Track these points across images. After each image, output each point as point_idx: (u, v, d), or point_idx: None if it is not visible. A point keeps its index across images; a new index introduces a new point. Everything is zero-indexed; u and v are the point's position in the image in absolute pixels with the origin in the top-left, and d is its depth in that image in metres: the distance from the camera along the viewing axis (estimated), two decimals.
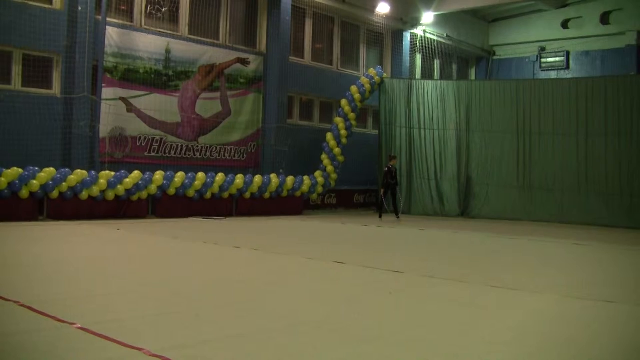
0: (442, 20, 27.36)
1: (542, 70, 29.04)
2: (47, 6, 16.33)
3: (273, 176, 19.35)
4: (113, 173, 15.94)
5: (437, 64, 29.16)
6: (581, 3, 27.53)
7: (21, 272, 7.84)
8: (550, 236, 15.36)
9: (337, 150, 21.27)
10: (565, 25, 28.32)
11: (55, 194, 14.88)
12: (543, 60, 29.10)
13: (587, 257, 11.91)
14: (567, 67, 28.41)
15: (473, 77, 31.00)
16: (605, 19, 27.07)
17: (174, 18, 19.16)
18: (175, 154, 18.98)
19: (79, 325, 5.07)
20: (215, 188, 17.82)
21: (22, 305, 5.70)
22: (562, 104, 20.49)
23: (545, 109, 20.75)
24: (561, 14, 28.28)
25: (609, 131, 19.72)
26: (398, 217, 19.44)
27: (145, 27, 18.33)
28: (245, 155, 21.00)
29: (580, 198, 20.03)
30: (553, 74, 28.27)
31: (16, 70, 15.94)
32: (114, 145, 17.53)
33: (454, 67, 30.55)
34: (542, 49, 29.16)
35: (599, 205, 19.60)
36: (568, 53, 28.41)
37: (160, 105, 18.57)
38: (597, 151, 19.88)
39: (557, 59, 28.67)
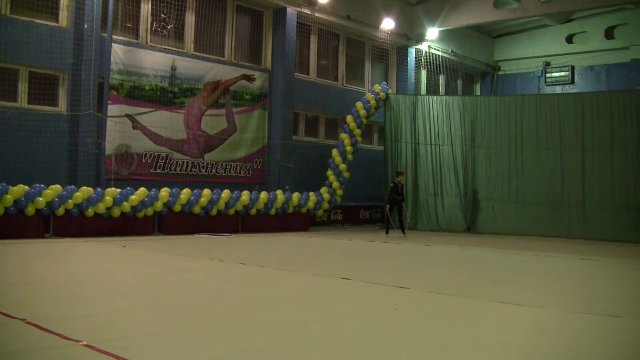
0: (447, 36, 27.42)
1: (547, 86, 29.06)
2: (53, 24, 16.43)
3: (279, 193, 19.34)
4: (119, 190, 15.96)
5: (442, 79, 29.21)
6: (586, 18, 27.58)
7: (27, 289, 7.84)
8: (556, 251, 15.28)
9: (343, 166, 21.27)
10: (570, 40, 28.39)
11: (61, 211, 14.90)
12: (548, 75, 29.14)
13: (593, 272, 11.84)
14: (573, 82, 28.44)
15: (478, 93, 31.03)
16: (609, 33, 27.11)
17: (179, 35, 19.26)
18: (181, 171, 19.01)
19: (85, 343, 5.05)
20: (221, 205, 17.82)
21: (29, 323, 5.70)
22: (568, 119, 20.44)
23: (551, 124, 20.69)
24: (566, 29, 28.34)
25: (615, 146, 19.66)
26: (404, 233, 19.39)
27: (151, 44, 18.43)
28: (251, 172, 21.02)
29: (587, 213, 19.93)
30: (558, 89, 28.28)
31: (22, 88, 16.00)
32: (120, 162, 17.57)
33: (459, 82, 30.59)
34: (547, 64, 29.20)
35: (605, 220, 19.47)
36: (573, 68, 28.43)
37: (166, 122, 18.62)
38: (603, 166, 19.80)
39: (562, 74, 28.68)
